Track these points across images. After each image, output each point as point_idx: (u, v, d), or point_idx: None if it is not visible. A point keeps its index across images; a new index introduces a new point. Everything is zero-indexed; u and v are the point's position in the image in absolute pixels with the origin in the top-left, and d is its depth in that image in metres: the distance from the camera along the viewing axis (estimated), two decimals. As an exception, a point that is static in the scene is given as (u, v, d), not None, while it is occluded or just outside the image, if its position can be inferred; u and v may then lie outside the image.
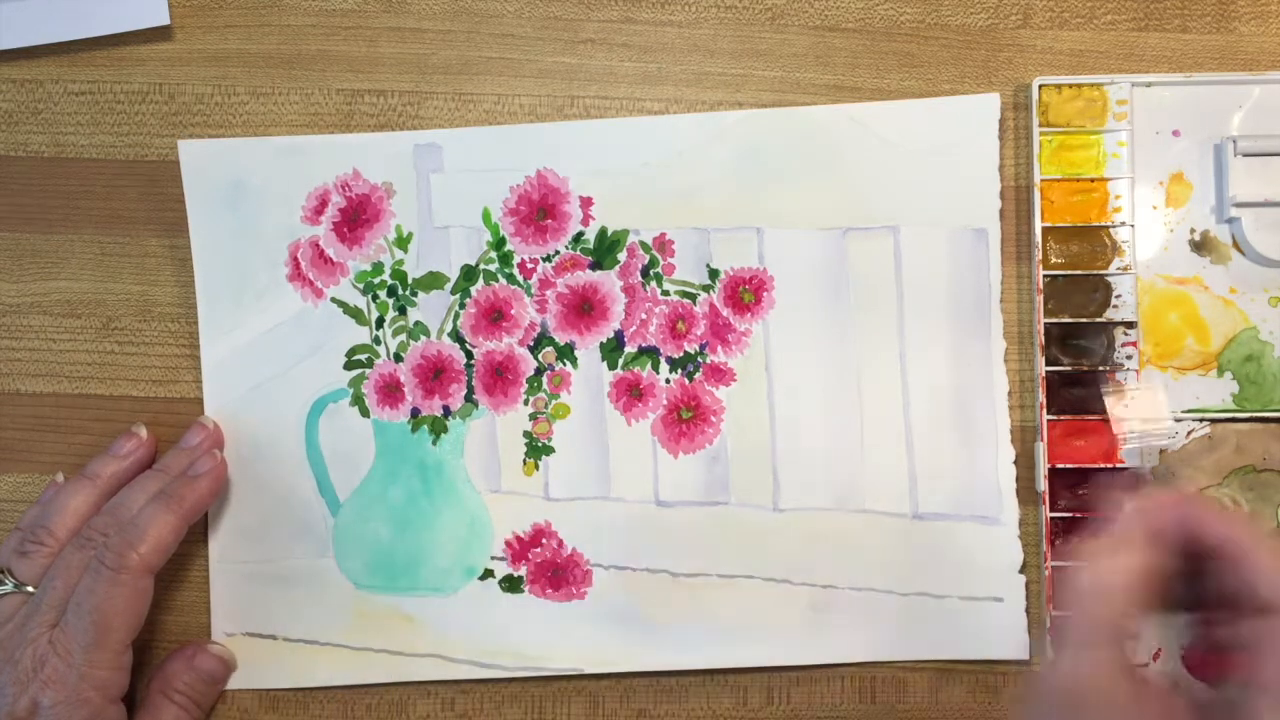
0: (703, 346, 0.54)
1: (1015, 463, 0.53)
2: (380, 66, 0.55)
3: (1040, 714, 0.42)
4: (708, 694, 0.55)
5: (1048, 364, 0.53)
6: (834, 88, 0.55)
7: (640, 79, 0.55)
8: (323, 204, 0.55)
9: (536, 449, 0.55)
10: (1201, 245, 0.53)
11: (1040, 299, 0.53)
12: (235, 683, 0.55)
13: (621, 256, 0.54)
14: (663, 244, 0.54)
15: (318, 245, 0.55)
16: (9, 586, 0.50)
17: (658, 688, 0.55)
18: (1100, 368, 0.53)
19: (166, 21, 0.55)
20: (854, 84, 0.55)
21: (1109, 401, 0.52)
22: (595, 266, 0.54)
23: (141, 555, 0.49)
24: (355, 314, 0.55)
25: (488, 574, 0.55)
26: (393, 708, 0.55)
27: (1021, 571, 0.53)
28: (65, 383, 0.56)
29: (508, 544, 0.55)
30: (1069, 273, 0.53)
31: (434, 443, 0.55)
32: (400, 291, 0.55)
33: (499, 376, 0.55)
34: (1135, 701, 0.39)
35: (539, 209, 0.54)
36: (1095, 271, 0.53)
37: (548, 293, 0.55)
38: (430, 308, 0.55)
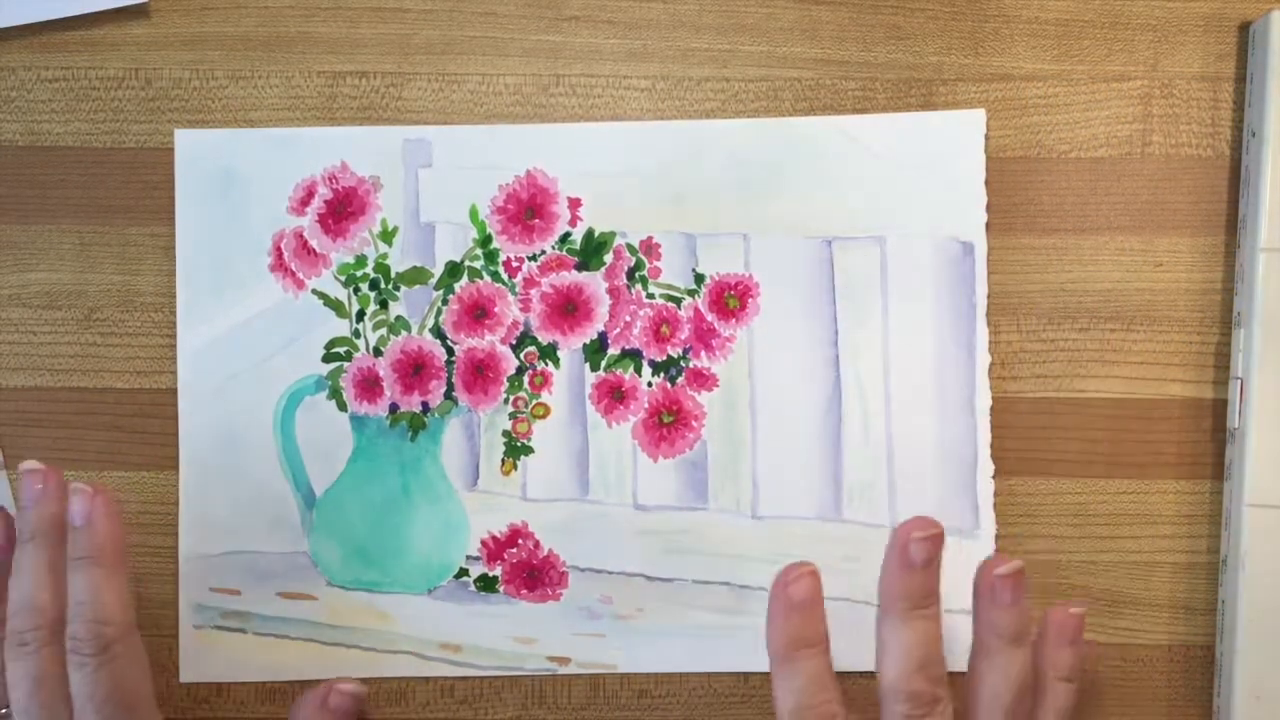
0: (686, 351, 0.54)
1: (994, 477, 0.54)
2: (362, 48, 0.55)
3: None
4: (708, 674, 0.55)
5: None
6: (821, 61, 0.55)
7: (625, 56, 0.55)
8: (309, 195, 0.54)
9: (515, 448, 0.55)
10: None
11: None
12: (200, 676, 0.54)
13: (608, 258, 0.54)
14: (649, 247, 0.54)
15: (301, 236, 0.54)
16: None
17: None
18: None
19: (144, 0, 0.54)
20: (841, 57, 0.55)
21: None
22: (581, 267, 0.54)
23: (117, 624, 0.47)
24: (336, 306, 0.55)
25: (463, 573, 0.55)
26: (392, 695, 0.55)
27: (995, 585, 0.54)
28: (47, 376, 0.55)
29: (484, 543, 0.55)
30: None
31: (412, 439, 0.55)
32: (383, 285, 0.54)
33: (480, 374, 0.54)
34: None
35: (527, 208, 0.54)
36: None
37: (532, 292, 0.54)
38: (412, 303, 0.54)
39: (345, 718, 0.53)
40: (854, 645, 0.54)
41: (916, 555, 0.47)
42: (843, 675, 0.54)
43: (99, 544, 0.48)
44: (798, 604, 0.48)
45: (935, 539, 0.47)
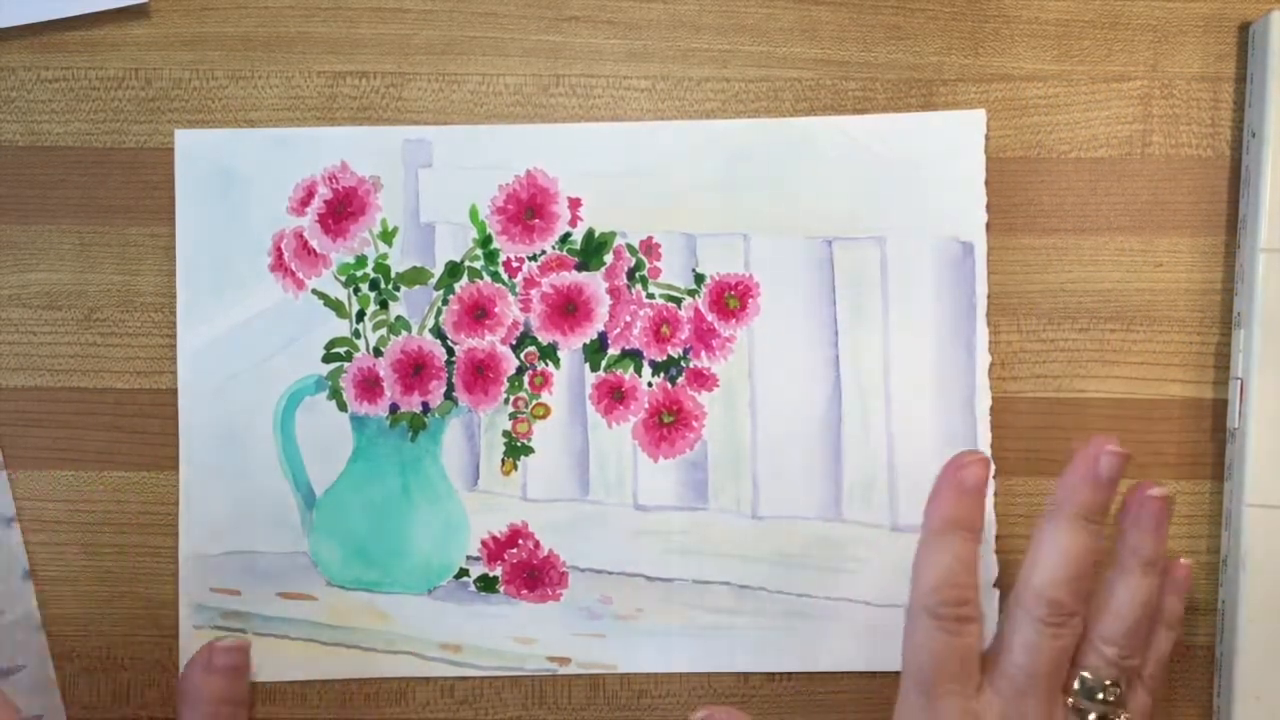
0: (686, 351, 0.54)
1: (994, 477, 0.54)
2: (362, 48, 0.55)
3: None
4: (709, 674, 0.55)
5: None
6: (821, 61, 0.55)
7: (626, 56, 0.55)
8: (309, 195, 0.54)
9: (515, 449, 0.55)
10: None
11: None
12: (202, 675, 0.55)
13: (608, 258, 0.54)
14: (650, 247, 0.54)
15: (301, 236, 0.54)
16: None
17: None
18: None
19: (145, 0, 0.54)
20: (841, 57, 0.55)
21: None
22: (581, 267, 0.54)
23: None
24: (336, 306, 0.55)
25: (463, 573, 0.55)
26: (392, 696, 0.55)
27: (996, 586, 0.54)
28: (47, 376, 0.55)
29: (484, 543, 0.55)
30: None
31: (412, 439, 0.55)
32: (383, 285, 0.54)
33: (480, 374, 0.54)
34: None
35: (527, 208, 0.54)
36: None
37: (532, 292, 0.54)
38: (413, 303, 0.54)
39: (232, 673, 0.53)
40: (857, 645, 0.54)
41: (1105, 469, 0.47)
42: (843, 676, 0.54)
43: None
44: (968, 488, 0.48)
45: (1124, 459, 0.47)
